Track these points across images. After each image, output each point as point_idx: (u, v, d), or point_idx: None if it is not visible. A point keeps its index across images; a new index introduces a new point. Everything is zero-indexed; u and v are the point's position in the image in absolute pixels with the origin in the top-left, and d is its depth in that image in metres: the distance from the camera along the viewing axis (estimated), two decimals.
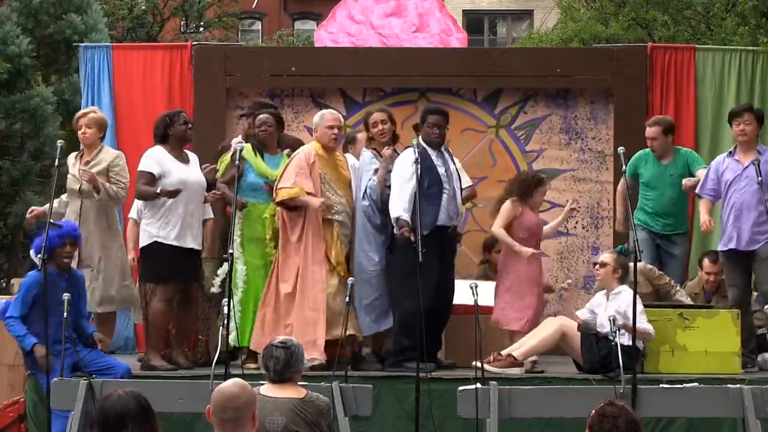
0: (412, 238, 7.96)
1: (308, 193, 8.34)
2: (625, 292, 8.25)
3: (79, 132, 8.73)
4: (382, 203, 8.49)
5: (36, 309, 7.86)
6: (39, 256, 7.75)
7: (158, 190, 8.31)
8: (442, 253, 8.47)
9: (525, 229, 8.74)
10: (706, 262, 9.35)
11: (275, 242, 8.60)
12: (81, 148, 8.65)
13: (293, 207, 8.42)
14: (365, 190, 8.54)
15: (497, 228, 8.73)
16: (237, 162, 8.27)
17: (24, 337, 7.93)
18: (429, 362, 7.98)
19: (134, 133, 10.65)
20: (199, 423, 7.66)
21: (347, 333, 7.94)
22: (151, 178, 8.40)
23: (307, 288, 8.34)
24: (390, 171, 8.47)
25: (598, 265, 8.59)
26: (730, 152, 8.82)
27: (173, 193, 8.28)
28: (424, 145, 8.53)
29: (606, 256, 8.58)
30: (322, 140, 8.58)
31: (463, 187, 8.86)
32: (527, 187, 8.84)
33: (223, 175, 8.74)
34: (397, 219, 8.23)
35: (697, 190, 9.09)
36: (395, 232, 8.25)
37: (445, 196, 8.46)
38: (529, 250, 8.61)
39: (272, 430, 5.70)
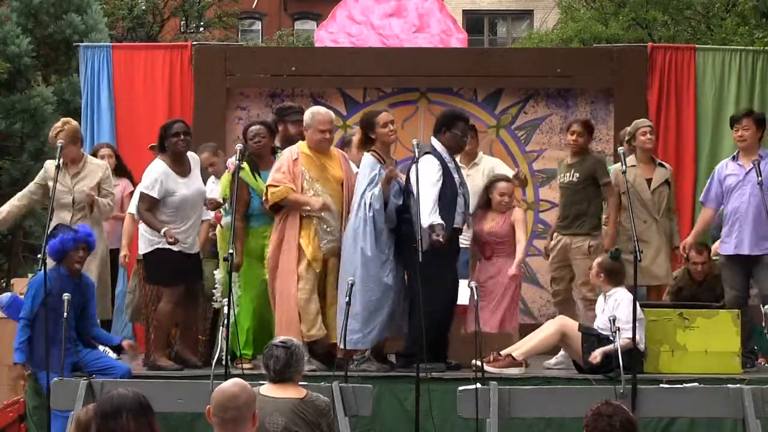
0: (442, 240, 7.97)
1: (292, 189, 8.23)
2: (617, 293, 8.30)
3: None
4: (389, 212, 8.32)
5: (42, 307, 7.88)
6: (39, 256, 7.78)
7: (162, 232, 8.22)
8: (455, 257, 8.52)
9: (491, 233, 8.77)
10: (693, 253, 9.30)
11: None
12: (58, 157, 8.37)
13: (280, 207, 8.34)
14: (369, 202, 8.22)
15: (524, 242, 8.80)
16: (238, 167, 8.14)
17: (17, 350, 7.97)
18: (438, 363, 8.06)
19: (134, 133, 10.67)
20: (199, 423, 7.65)
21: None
22: (154, 203, 8.38)
23: (282, 287, 8.28)
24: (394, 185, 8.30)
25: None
26: (734, 156, 8.80)
27: (173, 243, 8.24)
28: (441, 149, 8.40)
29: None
30: (312, 143, 8.39)
31: (509, 176, 8.97)
32: (485, 193, 8.88)
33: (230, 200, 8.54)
34: (432, 225, 8.05)
35: (701, 198, 9.05)
36: (434, 238, 8.02)
37: (461, 200, 8.43)
38: (513, 271, 8.62)
39: (272, 431, 5.70)
